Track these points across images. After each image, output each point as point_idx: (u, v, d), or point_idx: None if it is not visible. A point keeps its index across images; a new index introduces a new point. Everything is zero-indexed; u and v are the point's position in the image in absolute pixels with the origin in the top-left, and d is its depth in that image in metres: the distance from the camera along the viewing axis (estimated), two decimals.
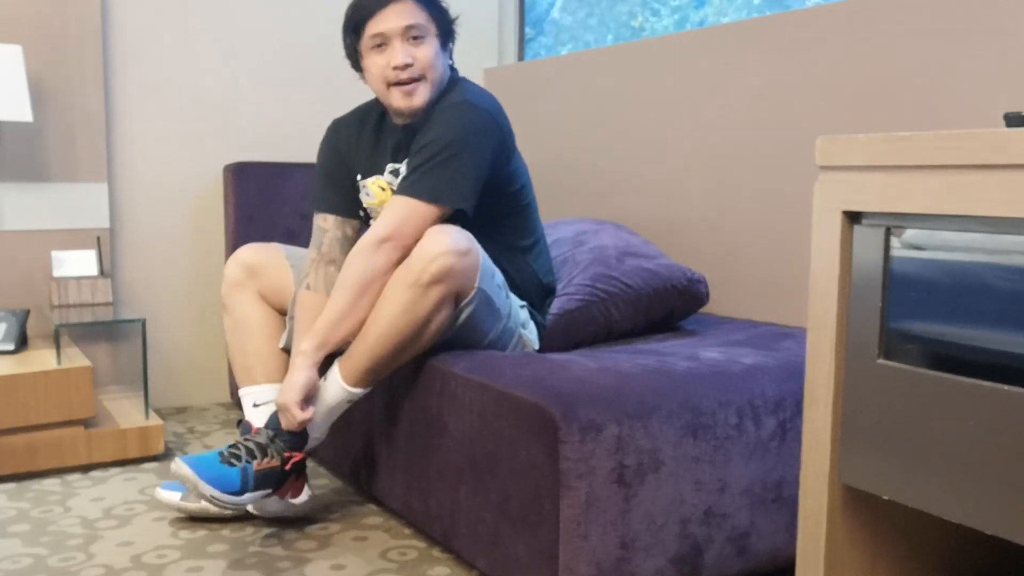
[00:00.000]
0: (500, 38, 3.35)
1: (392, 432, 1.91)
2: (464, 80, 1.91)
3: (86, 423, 2.30)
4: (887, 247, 1.14)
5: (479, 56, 3.31)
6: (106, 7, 2.73)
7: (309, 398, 1.79)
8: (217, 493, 1.74)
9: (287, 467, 1.81)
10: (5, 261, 2.61)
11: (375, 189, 1.96)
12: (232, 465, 1.77)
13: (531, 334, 1.94)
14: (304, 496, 1.94)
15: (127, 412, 2.48)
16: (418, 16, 1.82)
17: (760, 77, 2.20)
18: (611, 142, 2.69)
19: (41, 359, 2.33)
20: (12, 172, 2.61)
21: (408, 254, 1.73)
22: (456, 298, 1.74)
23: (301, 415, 1.76)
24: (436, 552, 1.84)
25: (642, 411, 1.48)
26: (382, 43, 1.83)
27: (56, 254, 2.63)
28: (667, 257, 2.21)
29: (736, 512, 1.58)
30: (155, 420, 2.39)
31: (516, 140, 2.13)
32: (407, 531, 1.94)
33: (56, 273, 2.62)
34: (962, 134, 1.03)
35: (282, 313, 2.03)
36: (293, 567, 1.75)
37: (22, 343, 2.48)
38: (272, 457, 1.79)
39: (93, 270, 2.66)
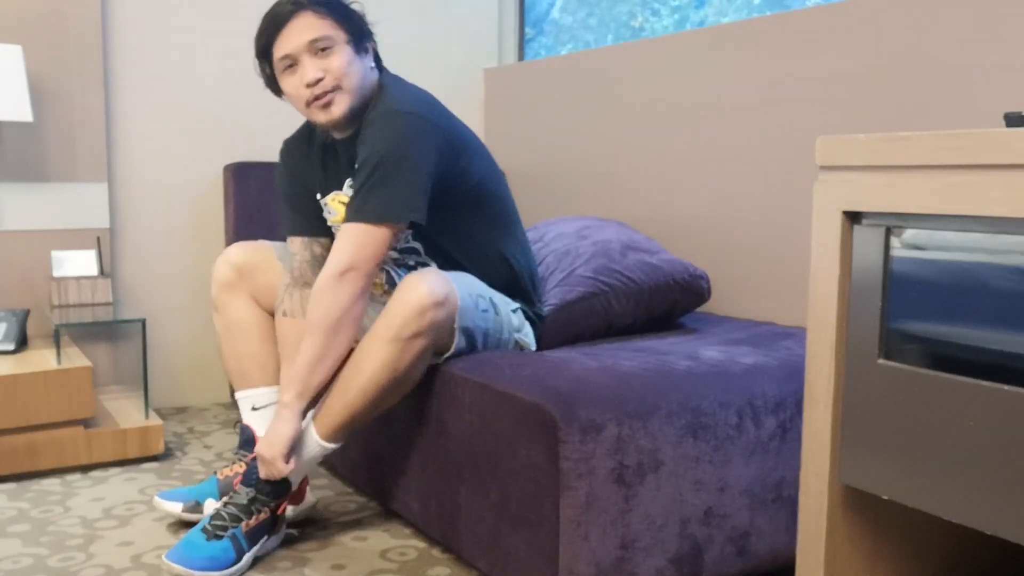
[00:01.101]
0: (500, 38, 3.35)
1: (392, 432, 1.91)
2: (390, 83, 1.84)
3: (86, 423, 2.30)
4: (887, 247, 1.14)
5: (479, 56, 3.31)
6: (106, 7, 2.73)
7: (293, 450, 1.75)
8: (218, 574, 1.68)
9: (279, 512, 1.78)
10: (5, 261, 2.61)
11: (336, 205, 1.91)
12: (220, 538, 1.70)
13: (527, 336, 1.92)
14: (308, 501, 1.92)
15: (127, 412, 2.48)
16: (321, 28, 1.75)
17: (760, 77, 2.20)
18: (611, 142, 2.69)
19: (41, 359, 2.33)
20: (12, 172, 2.61)
21: (370, 281, 1.71)
22: (436, 350, 1.72)
23: (285, 468, 1.72)
24: (436, 552, 1.84)
25: (642, 411, 1.48)
26: (292, 63, 1.77)
27: (56, 254, 2.63)
28: (669, 253, 2.21)
29: (736, 512, 1.58)
30: (155, 420, 2.39)
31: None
32: (407, 531, 1.94)
33: (56, 273, 2.62)
34: (962, 134, 1.03)
35: (273, 314, 2.01)
36: (293, 567, 1.75)
37: (22, 343, 2.48)
38: (259, 512, 1.74)
39: (93, 270, 2.66)
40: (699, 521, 1.54)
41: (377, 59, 1.87)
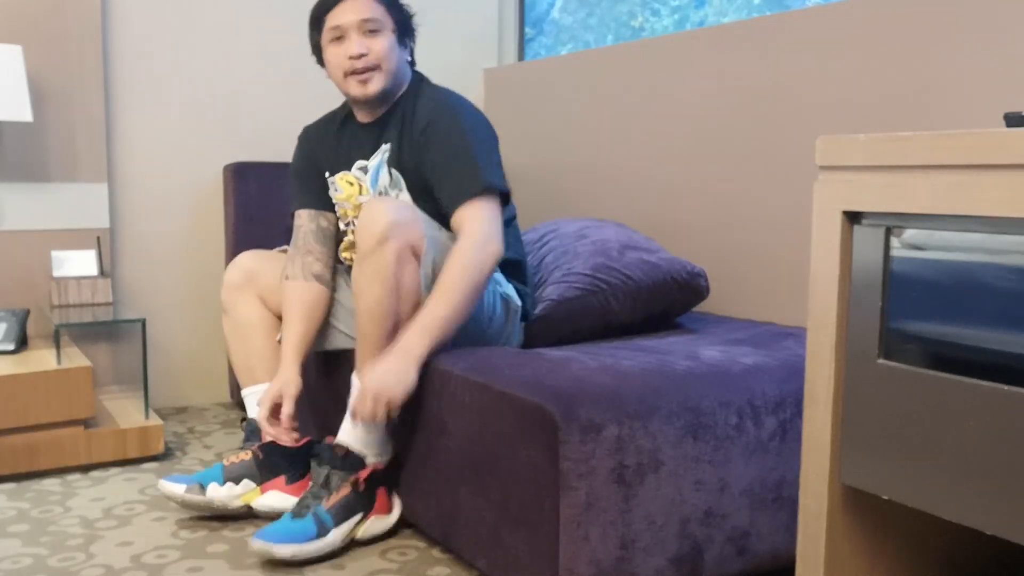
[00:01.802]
0: (500, 38, 3.35)
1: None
2: (428, 82, 2.00)
3: (86, 423, 2.30)
4: (887, 247, 1.14)
5: (479, 56, 3.31)
6: (106, 7, 2.73)
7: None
8: (296, 548, 1.71)
9: (361, 488, 1.80)
10: (5, 261, 2.61)
11: (343, 184, 2.01)
12: (303, 516, 1.76)
13: (509, 290, 1.95)
14: (395, 512, 1.90)
15: (127, 412, 2.48)
16: (374, 11, 1.91)
17: (760, 77, 2.20)
18: (611, 142, 2.69)
19: (41, 359, 2.33)
20: (12, 172, 2.61)
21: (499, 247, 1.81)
22: (414, 252, 1.76)
23: (383, 414, 1.71)
24: (436, 552, 1.84)
25: (642, 411, 1.48)
26: (340, 35, 1.91)
27: (56, 254, 2.63)
28: (668, 252, 2.21)
29: (736, 512, 1.58)
30: (155, 420, 2.39)
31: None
32: (407, 531, 1.94)
33: (56, 273, 2.62)
34: (962, 134, 1.03)
35: (280, 317, 2.05)
36: (293, 567, 1.75)
37: (22, 343, 2.48)
38: (338, 488, 1.79)
39: (93, 270, 2.66)
40: (699, 521, 1.54)
41: (413, 59, 2.02)
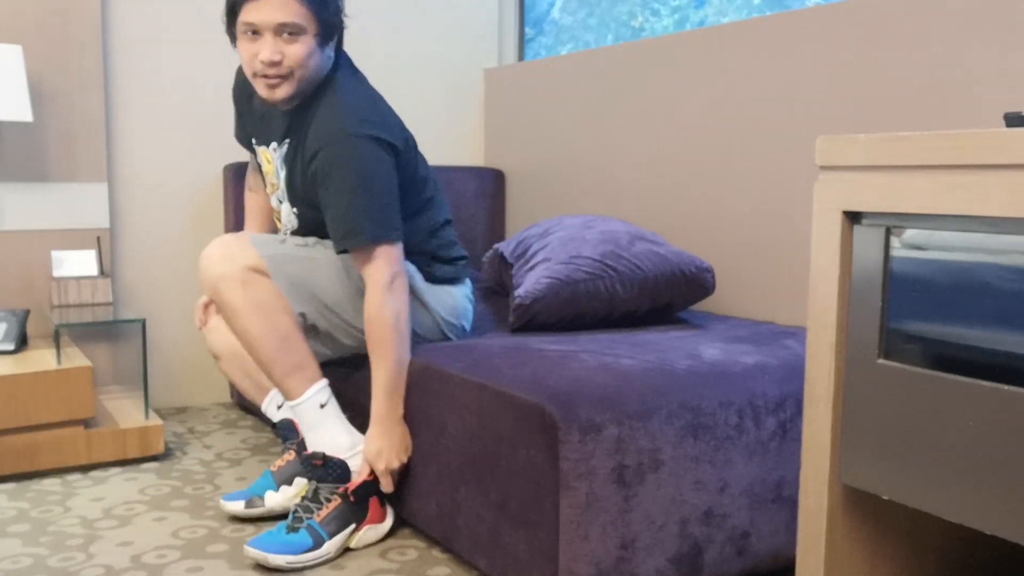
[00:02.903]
0: (500, 38, 3.35)
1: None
2: (342, 84, 1.85)
3: (86, 423, 2.30)
4: (887, 247, 1.14)
5: (479, 56, 3.31)
6: (106, 7, 2.73)
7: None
8: (291, 557, 1.73)
9: (352, 499, 1.82)
10: (5, 261, 2.61)
11: (264, 159, 2.01)
12: (297, 530, 1.77)
13: (435, 309, 1.97)
14: (388, 521, 1.91)
15: (127, 412, 2.48)
16: (295, 14, 1.76)
17: (760, 77, 2.20)
18: (611, 142, 2.69)
19: (41, 359, 2.33)
20: (12, 172, 2.60)
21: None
22: (256, 269, 1.82)
23: (395, 478, 1.84)
24: (436, 552, 1.84)
25: (642, 411, 1.48)
26: (255, 31, 1.79)
27: (56, 254, 2.63)
28: (675, 246, 2.22)
29: (736, 512, 1.58)
30: (155, 420, 2.39)
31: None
32: (407, 531, 1.94)
33: (56, 273, 2.62)
34: (962, 134, 1.03)
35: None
36: (293, 569, 1.75)
37: (22, 343, 2.48)
38: (328, 501, 1.80)
39: (93, 270, 2.66)
40: (699, 521, 1.54)
41: (339, 45, 1.90)
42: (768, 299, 2.23)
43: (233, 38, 1.86)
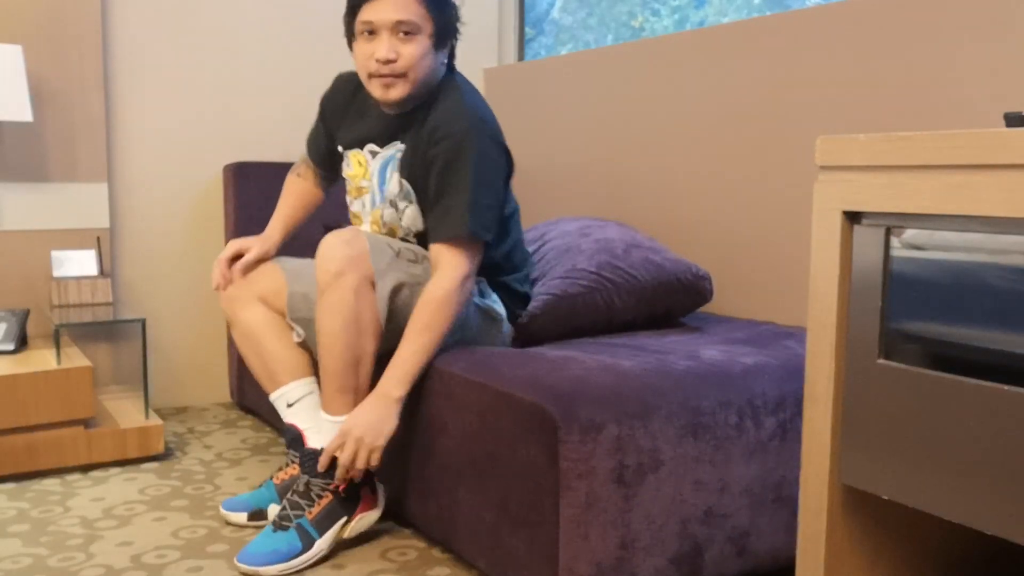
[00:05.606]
0: (500, 38, 3.35)
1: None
2: (464, 87, 1.88)
3: (86, 423, 2.30)
4: (887, 247, 1.14)
5: (479, 56, 3.31)
6: (106, 7, 2.73)
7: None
8: (282, 566, 1.71)
9: (343, 495, 1.79)
10: (5, 261, 2.62)
11: (354, 163, 1.98)
12: (285, 528, 1.75)
13: (492, 301, 1.94)
14: (379, 506, 1.89)
15: (127, 412, 2.48)
16: (413, 12, 1.79)
17: (760, 77, 2.20)
18: (611, 142, 2.69)
19: (41, 359, 2.33)
20: (12, 172, 2.61)
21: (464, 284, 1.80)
22: (372, 284, 1.76)
23: (377, 461, 1.76)
24: (436, 552, 1.84)
25: (642, 411, 1.48)
26: (372, 31, 1.81)
27: (56, 254, 2.63)
28: (672, 252, 2.22)
29: (736, 512, 1.58)
30: (155, 420, 2.39)
31: (509, 140, 2.15)
32: (407, 531, 1.94)
33: (56, 273, 2.62)
34: (962, 134, 1.03)
35: (282, 315, 2.03)
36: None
37: (22, 343, 2.48)
38: (320, 497, 1.78)
39: (93, 270, 2.66)
40: (699, 521, 1.54)
41: (451, 55, 1.92)
42: (768, 299, 2.23)
43: (350, 41, 1.88)
